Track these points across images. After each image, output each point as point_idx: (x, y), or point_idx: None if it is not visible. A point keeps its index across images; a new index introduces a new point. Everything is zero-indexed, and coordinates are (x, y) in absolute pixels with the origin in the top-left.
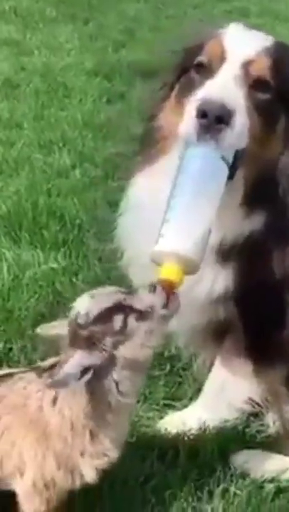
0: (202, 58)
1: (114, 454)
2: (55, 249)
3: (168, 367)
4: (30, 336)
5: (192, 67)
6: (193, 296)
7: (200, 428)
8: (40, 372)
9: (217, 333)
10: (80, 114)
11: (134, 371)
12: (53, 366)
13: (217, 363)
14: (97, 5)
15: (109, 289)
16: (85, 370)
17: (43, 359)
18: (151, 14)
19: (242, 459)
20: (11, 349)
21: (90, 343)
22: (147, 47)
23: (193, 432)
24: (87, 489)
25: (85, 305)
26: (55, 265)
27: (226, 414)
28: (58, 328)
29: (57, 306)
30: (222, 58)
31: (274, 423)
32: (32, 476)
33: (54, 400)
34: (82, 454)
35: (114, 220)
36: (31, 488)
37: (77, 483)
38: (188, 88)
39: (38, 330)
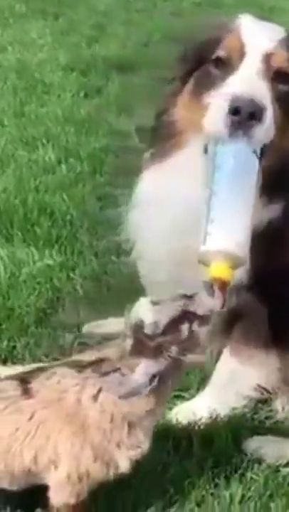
0: (221, 52)
1: (146, 446)
2: (48, 246)
3: None
4: (33, 333)
5: (209, 61)
6: None
7: (211, 417)
8: (80, 367)
9: (226, 323)
10: (60, 110)
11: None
12: (95, 362)
13: (226, 352)
14: (66, 0)
15: (170, 294)
16: (152, 377)
17: (47, 355)
18: (121, 8)
19: (254, 445)
20: (14, 347)
21: (158, 352)
22: (120, 41)
23: (204, 420)
24: (105, 483)
25: (150, 314)
26: (50, 262)
27: (235, 402)
28: (104, 328)
29: (57, 302)
30: (242, 52)
31: (283, 409)
32: (67, 468)
33: (96, 395)
34: (118, 446)
35: (104, 215)
36: (65, 480)
37: (111, 475)
38: (207, 83)
39: (84, 329)
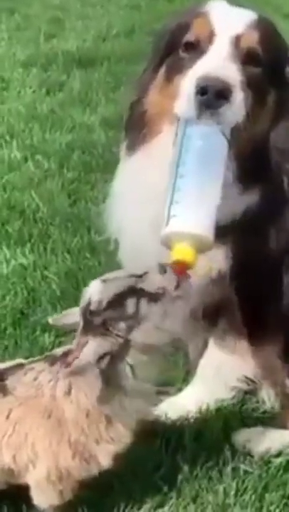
0: (190, 37)
1: (127, 439)
2: (20, 245)
3: None
4: (12, 335)
5: (179, 46)
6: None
7: (199, 410)
8: (53, 361)
9: (211, 314)
10: (22, 106)
11: (149, 355)
12: (65, 354)
13: (211, 344)
14: None
15: (120, 272)
16: (101, 357)
17: (27, 357)
18: (76, 2)
19: (243, 437)
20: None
21: (104, 329)
22: (78, 35)
23: (193, 415)
24: (97, 484)
25: (97, 291)
26: (24, 261)
27: (222, 394)
28: (69, 318)
29: (33, 303)
30: (211, 35)
31: (269, 399)
32: (46, 466)
33: (69, 389)
34: (97, 442)
35: (74, 212)
36: (45, 480)
37: (93, 471)
38: (177, 68)
39: (50, 321)
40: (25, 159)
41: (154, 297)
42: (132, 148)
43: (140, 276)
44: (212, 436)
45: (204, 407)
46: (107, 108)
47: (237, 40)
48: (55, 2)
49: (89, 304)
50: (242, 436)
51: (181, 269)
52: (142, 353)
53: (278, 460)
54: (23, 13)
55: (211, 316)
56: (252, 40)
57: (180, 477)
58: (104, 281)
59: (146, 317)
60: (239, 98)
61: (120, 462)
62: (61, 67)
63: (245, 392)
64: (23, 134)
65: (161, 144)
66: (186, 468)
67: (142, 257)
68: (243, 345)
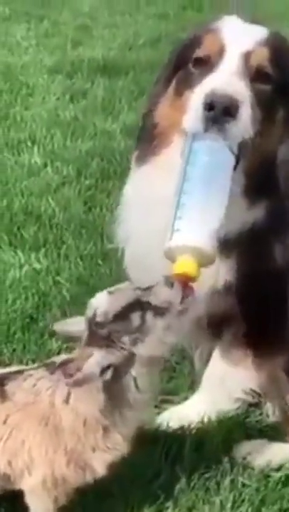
0: (200, 52)
1: (124, 449)
2: (35, 250)
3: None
4: (20, 339)
5: (190, 61)
6: (195, 287)
7: (202, 421)
8: (53, 368)
9: (216, 325)
10: (45, 113)
11: (152, 367)
12: (64, 363)
13: (216, 355)
14: (50, 2)
15: (126, 285)
16: (104, 369)
17: (34, 361)
18: (104, 10)
19: (245, 449)
20: (1, 353)
21: (109, 341)
22: (104, 43)
23: (195, 425)
24: (96, 491)
25: (104, 303)
26: (37, 265)
27: (226, 406)
28: (73, 326)
29: (43, 307)
30: (221, 51)
31: (273, 412)
32: (42, 473)
33: (67, 397)
34: (93, 450)
35: (89, 219)
36: (40, 486)
37: (88, 479)
38: (187, 83)
39: (54, 327)
40: (45, 165)
41: (159, 311)
42: (142, 159)
43: (146, 289)
44: (212, 447)
45: (207, 417)
46: (129, 116)
47: (247, 56)
48: (85, 9)
49: (95, 315)
50: (243, 449)
51: (184, 283)
52: (146, 366)
53: (278, 474)
54: (53, 20)
55: (216, 327)
56: (262, 57)
57: (178, 487)
58: (110, 292)
59: (151, 330)
60: (246, 115)
61: (120, 468)
62: (86, 75)
63: (250, 405)
64: (44, 140)
65: (170, 157)
66: (184, 478)
67: (145, 267)
68: (248, 357)
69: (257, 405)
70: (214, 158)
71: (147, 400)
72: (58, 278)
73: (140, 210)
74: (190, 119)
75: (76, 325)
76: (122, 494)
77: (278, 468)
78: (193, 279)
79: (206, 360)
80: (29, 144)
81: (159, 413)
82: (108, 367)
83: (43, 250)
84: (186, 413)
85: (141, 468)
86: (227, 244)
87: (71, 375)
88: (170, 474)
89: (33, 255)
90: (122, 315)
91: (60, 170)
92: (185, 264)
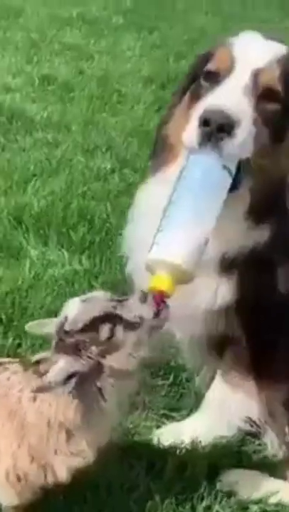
0: (211, 66)
1: (89, 456)
2: (80, 251)
3: (172, 377)
4: (41, 335)
5: (202, 74)
6: (193, 306)
7: (192, 442)
8: (26, 365)
9: (218, 346)
10: (130, 121)
11: (120, 379)
12: (37, 362)
13: (217, 377)
14: (165, 15)
15: (102, 294)
16: (69, 377)
17: None
18: (217, 27)
19: (233, 477)
20: (19, 345)
21: (76, 349)
22: None
23: (184, 445)
24: (69, 492)
25: (74, 311)
26: (78, 267)
27: (223, 431)
28: (47, 327)
29: None
30: (231, 66)
31: (272, 445)
32: (5, 465)
33: (35, 395)
34: (56, 452)
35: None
36: (4, 479)
37: (50, 481)
38: (197, 96)
39: (27, 327)
40: (113, 171)
41: (130, 325)
42: (153, 170)
43: (119, 301)
44: (194, 470)
45: (199, 439)
46: None
47: (256, 74)
48: (197, 25)
49: (64, 322)
50: (232, 477)
51: (158, 298)
52: (114, 377)
53: (256, 507)
54: (163, 33)
55: (217, 348)
56: (272, 76)
57: (151, 504)
58: (83, 301)
59: (121, 344)
60: (244, 133)
61: (98, 475)
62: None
63: (249, 433)
64: (119, 147)
65: (176, 171)
66: (159, 496)
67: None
68: (248, 383)
69: (256, 435)
70: (207, 175)
71: (116, 411)
72: (93, 282)
73: (147, 221)
74: (188, 133)
75: (49, 326)
76: (94, 501)
77: (258, 501)
78: (167, 295)
79: (210, 381)
80: (104, 149)
81: (158, 427)
82: (73, 375)
83: (86, 252)
84: (179, 432)
85: (119, 478)
86: (226, 264)
87: (40, 375)
88: (146, 490)
89: (76, 256)
90: (91, 326)
91: (126, 177)
92: (160, 280)
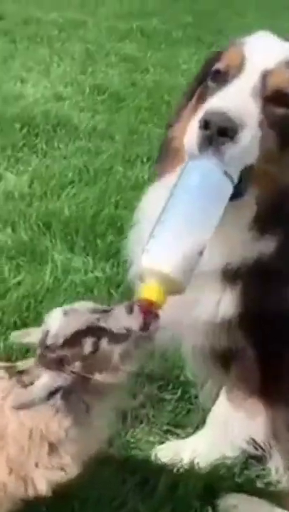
0: (219, 65)
1: (73, 470)
2: (105, 259)
3: (180, 391)
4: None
5: (210, 74)
6: (194, 317)
7: (190, 461)
8: (12, 373)
9: (223, 360)
10: None
11: (107, 393)
12: (22, 371)
13: (222, 394)
14: (225, 30)
15: (86, 305)
16: (52, 393)
17: None
18: None
19: (231, 502)
20: (28, 351)
21: (59, 364)
22: None
23: (181, 463)
24: (57, 503)
25: (57, 324)
26: (100, 274)
27: (226, 451)
28: (31, 336)
29: None
30: (240, 67)
31: (276, 470)
32: None
33: None
34: (36, 465)
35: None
36: None
37: (30, 494)
38: (204, 97)
39: (11, 336)
40: (151, 181)
41: (116, 338)
42: (158, 175)
43: (105, 311)
44: (186, 491)
45: (198, 458)
46: None
47: (265, 76)
48: None
49: (46, 336)
50: (230, 500)
51: (147, 309)
52: (100, 392)
53: None
54: (222, 47)
55: (222, 362)
56: (282, 78)
57: None
58: (65, 313)
59: (106, 357)
60: (248, 138)
61: (88, 487)
62: None
63: (253, 457)
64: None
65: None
66: None
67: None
68: (251, 402)
69: (261, 459)
70: (206, 181)
71: (103, 424)
72: (112, 290)
73: (150, 225)
74: (188, 137)
75: (34, 335)
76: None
77: None
78: (156, 305)
79: (215, 398)
80: (144, 159)
81: (162, 443)
82: (57, 390)
83: (112, 261)
84: (179, 449)
85: (110, 493)
86: (230, 275)
87: (25, 386)
88: (134, 507)
89: (101, 264)
90: (73, 341)
91: None
92: (149, 289)
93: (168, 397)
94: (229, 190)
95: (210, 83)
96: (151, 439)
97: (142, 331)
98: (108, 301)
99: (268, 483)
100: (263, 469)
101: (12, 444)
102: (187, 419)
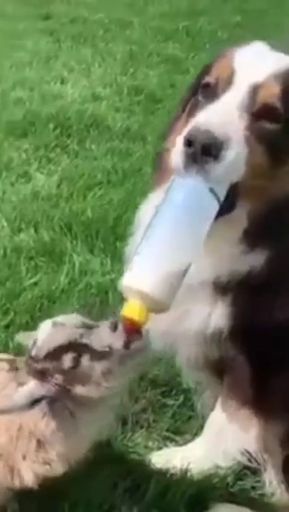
0: (209, 79)
1: (58, 468)
2: (123, 262)
3: (181, 398)
4: None
5: (200, 88)
6: (185, 328)
7: (183, 469)
8: (13, 367)
9: (217, 371)
10: None
11: (90, 407)
12: (15, 368)
13: (218, 404)
14: (274, 30)
15: (75, 319)
16: (36, 400)
17: None
18: None
19: (223, 511)
20: None
21: (43, 375)
22: None
23: (174, 471)
24: (48, 504)
25: (43, 336)
26: (117, 276)
27: (220, 461)
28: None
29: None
30: (230, 80)
31: (270, 483)
32: None
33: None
34: (24, 457)
35: None
36: None
37: (16, 484)
38: (194, 110)
39: (17, 337)
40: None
41: (98, 355)
42: (153, 185)
43: (90, 327)
44: (176, 498)
45: (190, 466)
46: None
47: (254, 90)
48: None
49: (33, 346)
50: (221, 510)
51: (130, 327)
52: (84, 404)
53: None
54: None
55: (216, 372)
56: (271, 92)
57: None
58: (54, 324)
59: (87, 373)
60: (233, 156)
61: (80, 489)
62: None
63: (249, 468)
64: None
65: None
66: None
67: None
68: (244, 414)
69: (256, 471)
70: (190, 199)
71: (89, 433)
72: None
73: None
74: (174, 154)
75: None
76: None
77: None
78: (139, 324)
79: (212, 407)
80: None
81: (160, 449)
82: (40, 398)
83: None
84: (173, 456)
85: (100, 496)
86: (220, 288)
87: (19, 384)
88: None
89: (118, 266)
90: (54, 355)
91: None
92: (131, 308)
93: (170, 402)
94: (215, 207)
95: (200, 97)
96: (150, 444)
97: (124, 349)
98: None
99: (262, 495)
100: (258, 481)
101: (2, 433)
102: (187, 426)
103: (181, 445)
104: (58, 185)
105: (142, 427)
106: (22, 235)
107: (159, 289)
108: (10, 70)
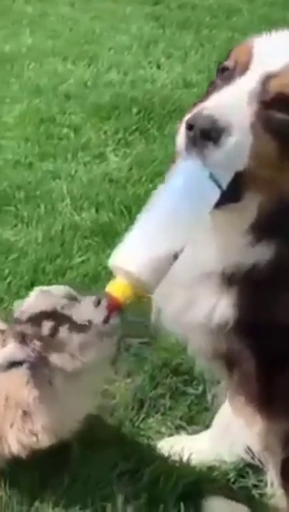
0: (227, 62)
1: (44, 439)
2: None
3: (200, 388)
4: None
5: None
6: (193, 319)
7: (186, 457)
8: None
9: (227, 364)
10: None
11: (68, 378)
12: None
13: (227, 397)
14: None
15: (60, 290)
16: (15, 363)
17: None
18: None
19: (216, 504)
20: None
21: (22, 339)
22: None
23: (177, 458)
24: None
25: (30, 300)
26: None
27: (223, 455)
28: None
29: None
30: (246, 66)
31: (272, 484)
32: None
33: None
34: (11, 426)
35: None
36: None
37: (5, 452)
38: (211, 94)
39: (14, 304)
40: None
41: (77, 327)
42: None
43: (74, 299)
44: (165, 487)
45: (192, 456)
46: None
47: (268, 79)
48: None
49: (17, 309)
50: (215, 503)
51: (112, 305)
52: (60, 374)
53: None
54: None
55: (226, 364)
56: (284, 82)
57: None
58: (43, 291)
59: (65, 343)
60: (235, 142)
61: (83, 465)
62: None
63: (252, 466)
64: None
65: None
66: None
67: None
68: (249, 410)
69: (258, 470)
70: (188, 183)
71: (75, 405)
72: None
73: None
74: (179, 136)
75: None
76: (71, 490)
77: None
78: (120, 302)
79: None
80: None
81: (170, 435)
82: (21, 362)
83: None
84: (179, 444)
85: (98, 475)
86: (226, 279)
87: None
88: (115, 491)
89: None
90: (35, 320)
91: None
92: (116, 286)
93: (190, 391)
94: (215, 194)
95: (217, 81)
96: (163, 430)
97: (102, 325)
98: None
99: (262, 495)
100: (261, 480)
101: None
102: (201, 417)
103: (190, 434)
104: (130, 169)
105: (157, 412)
106: (83, 214)
107: (146, 271)
108: (108, 52)
